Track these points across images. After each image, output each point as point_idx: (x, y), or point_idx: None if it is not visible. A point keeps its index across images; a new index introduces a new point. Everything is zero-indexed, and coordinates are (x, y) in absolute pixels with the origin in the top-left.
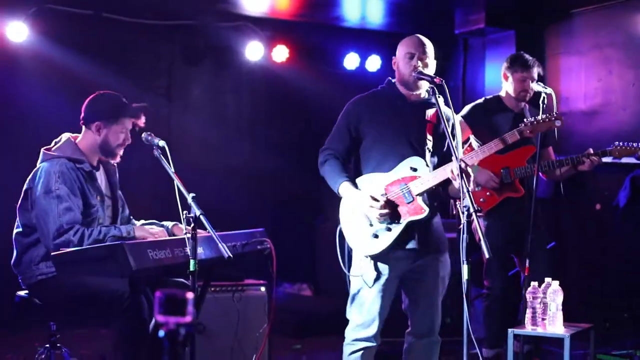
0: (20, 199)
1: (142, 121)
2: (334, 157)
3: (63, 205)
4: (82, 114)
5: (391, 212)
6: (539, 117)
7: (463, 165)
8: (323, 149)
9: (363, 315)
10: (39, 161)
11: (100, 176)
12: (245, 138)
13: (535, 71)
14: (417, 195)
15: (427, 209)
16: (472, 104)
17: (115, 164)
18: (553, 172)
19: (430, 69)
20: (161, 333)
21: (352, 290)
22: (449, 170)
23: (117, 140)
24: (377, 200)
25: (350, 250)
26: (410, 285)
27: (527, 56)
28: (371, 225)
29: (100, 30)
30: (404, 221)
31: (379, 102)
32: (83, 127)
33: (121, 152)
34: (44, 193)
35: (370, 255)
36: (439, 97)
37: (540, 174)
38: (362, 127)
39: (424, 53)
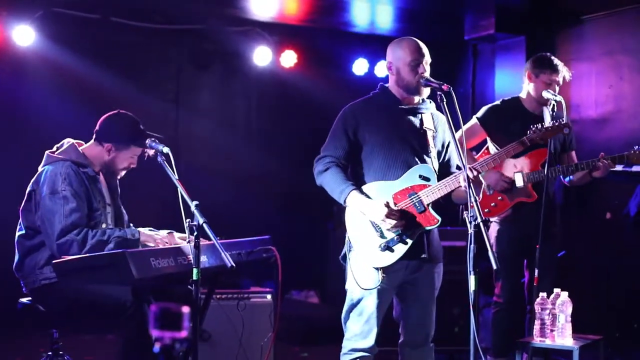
0: (24, 201)
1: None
2: (336, 165)
3: (69, 206)
4: (98, 128)
5: (404, 222)
6: (547, 125)
7: (475, 172)
8: (320, 157)
9: (362, 325)
10: (42, 164)
11: (102, 182)
12: (254, 143)
13: (562, 76)
14: (428, 204)
15: (439, 218)
16: (489, 105)
17: None
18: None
19: (428, 71)
20: (156, 348)
21: (351, 300)
22: (461, 179)
23: (124, 164)
24: (392, 210)
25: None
26: (405, 294)
27: (555, 58)
28: (382, 236)
29: (108, 34)
30: (417, 232)
31: (375, 109)
32: (94, 139)
33: (123, 174)
34: (50, 194)
35: (380, 267)
36: (446, 103)
37: (562, 178)
38: (361, 133)
39: (427, 58)
